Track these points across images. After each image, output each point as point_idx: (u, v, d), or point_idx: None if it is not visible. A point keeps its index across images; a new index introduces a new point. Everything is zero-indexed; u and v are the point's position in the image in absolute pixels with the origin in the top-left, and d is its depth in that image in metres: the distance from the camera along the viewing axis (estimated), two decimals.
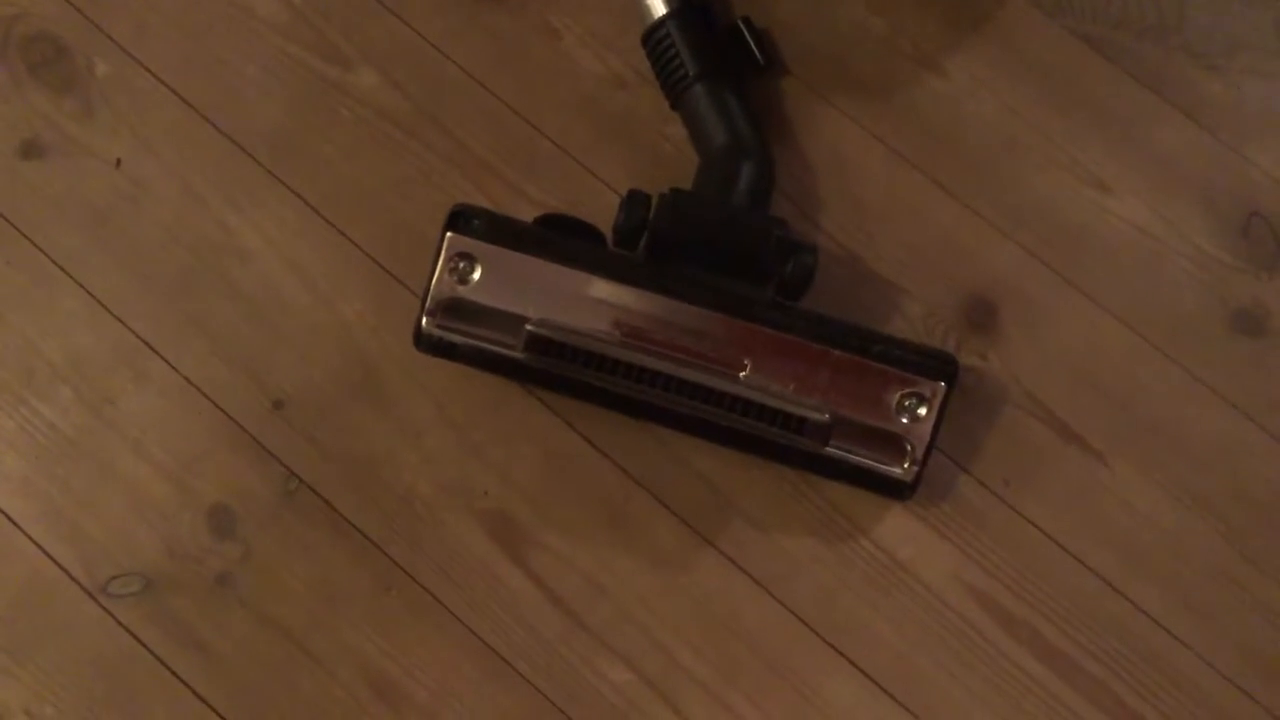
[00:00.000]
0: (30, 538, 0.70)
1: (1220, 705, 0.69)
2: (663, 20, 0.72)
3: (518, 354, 0.65)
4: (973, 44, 0.76)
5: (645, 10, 0.73)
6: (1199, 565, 0.71)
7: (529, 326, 0.65)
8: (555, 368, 0.66)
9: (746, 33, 0.73)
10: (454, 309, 0.66)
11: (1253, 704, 0.69)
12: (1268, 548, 0.71)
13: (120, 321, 0.73)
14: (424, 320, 0.67)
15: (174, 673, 0.69)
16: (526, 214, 0.71)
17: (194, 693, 0.69)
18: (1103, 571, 0.70)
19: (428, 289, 0.66)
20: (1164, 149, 0.75)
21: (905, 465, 0.67)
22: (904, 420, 0.66)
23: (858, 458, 0.67)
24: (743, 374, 0.65)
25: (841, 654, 0.70)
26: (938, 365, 0.66)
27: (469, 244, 0.65)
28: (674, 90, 0.72)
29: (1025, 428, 0.72)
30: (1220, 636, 0.70)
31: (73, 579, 0.70)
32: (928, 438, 0.66)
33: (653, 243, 0.67)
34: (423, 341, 0.67)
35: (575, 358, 0.65)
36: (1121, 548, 0.71)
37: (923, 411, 0.66)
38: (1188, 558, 0.71)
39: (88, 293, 0.73)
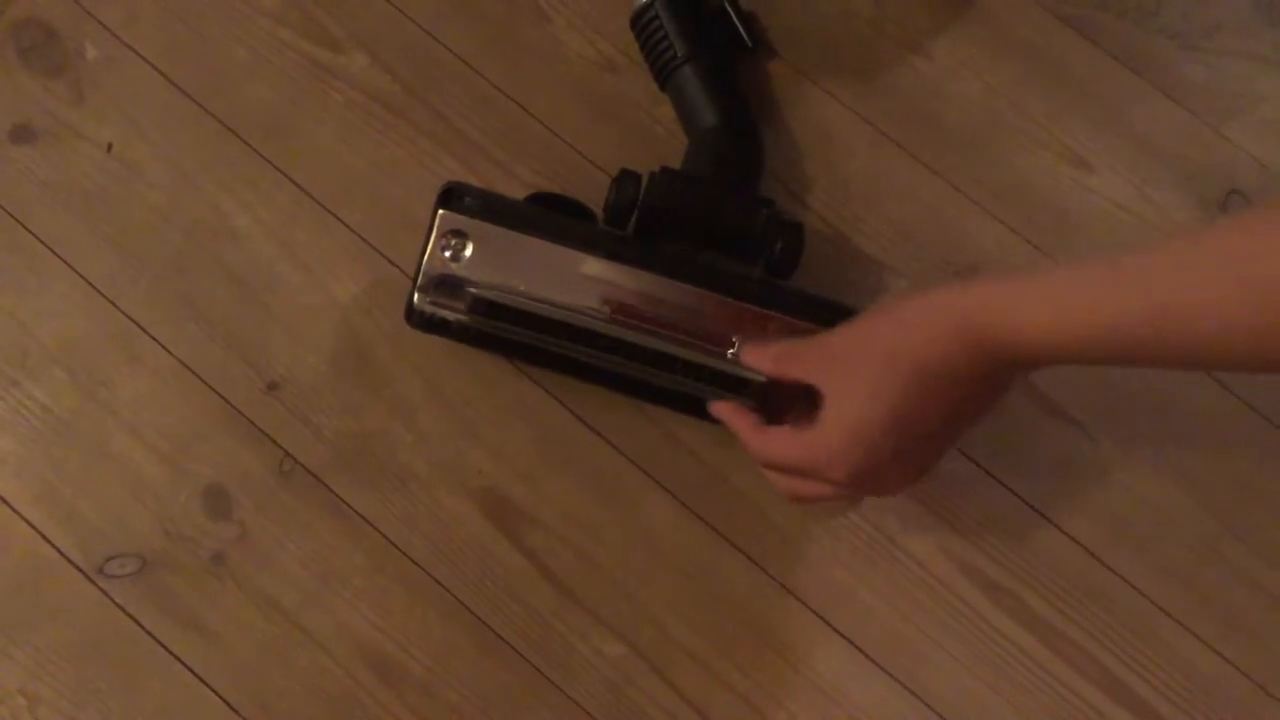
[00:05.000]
0: (26, 520, 0.71)
1: (1203, 672, 0.70)
2: (651, 3, 0.73)
3: (510, 329, 0.66)
4: (956, 26, 0.77)
5: None
6: (1180, 535, 0.72)
7: (520, 301, 0.65)
8: (546, 344, 0.66)
9: (734, 15, 0.74)
10: (446, 285, 0.67)
11: (1235, 671, 0.70)
12: (1248, 517, 0.72)
13: (113, 304, 0.73)
14: (416, 296, 0.67)
15: (171, 652, 0.70)
16: (517, 196, 0.71)
17: (191, 671, 0.69)
18: (1086, 542, 0.71)
19: (420, 264, 0.66)
20: (1144, 128, 0.76)
21: None
22: None
23: None
24: (731, 351, 0.66)
25: (830, 625, 0.71)
26: None
27: (461, 221, 0.66)
28: (663, 72, 0.73)
29: (1008, 401, 0.73)
30: (1202, 605, 0.71)
31: (69, 560, 0.70)
32: None
33: (642, 221, 0.67)
34: (414, 317, 0.68)
35: (564, 334, 0.66)
36: (1104, 518, 0.72)
37: None
38: (1169, 527, 0.72)
39: (80, 276, 0.73)
